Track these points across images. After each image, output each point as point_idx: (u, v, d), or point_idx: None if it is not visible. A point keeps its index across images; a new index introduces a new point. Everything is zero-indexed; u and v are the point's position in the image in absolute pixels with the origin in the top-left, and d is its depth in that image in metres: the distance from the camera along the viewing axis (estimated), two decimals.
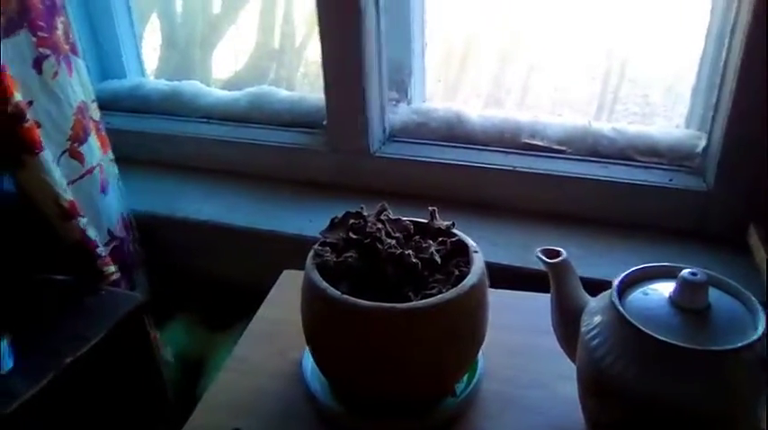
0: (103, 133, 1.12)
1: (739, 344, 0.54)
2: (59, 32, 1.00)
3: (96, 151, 1.08)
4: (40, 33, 0.96)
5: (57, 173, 0.95)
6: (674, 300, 0.59)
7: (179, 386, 1.13)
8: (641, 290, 0.62)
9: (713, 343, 0.55)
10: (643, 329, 0.57)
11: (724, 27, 0.97)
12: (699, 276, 0.58)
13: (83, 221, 0.98)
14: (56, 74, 0.99)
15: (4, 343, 0.84)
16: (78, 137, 1.03)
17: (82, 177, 1.05)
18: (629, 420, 0.58)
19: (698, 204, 1.02)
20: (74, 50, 1.05)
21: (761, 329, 0.56)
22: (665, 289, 0.61)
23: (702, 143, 1.03)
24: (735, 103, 0.93)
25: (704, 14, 1.02)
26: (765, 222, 0.97)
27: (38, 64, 0.97)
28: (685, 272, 0.59)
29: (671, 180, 1.04)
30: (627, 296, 0.61)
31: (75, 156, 1.03)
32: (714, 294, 0.59)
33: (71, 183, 1.01)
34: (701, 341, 0.55)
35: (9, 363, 0.84)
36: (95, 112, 1.10)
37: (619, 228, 1.06)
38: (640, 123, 1.16)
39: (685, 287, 0.58)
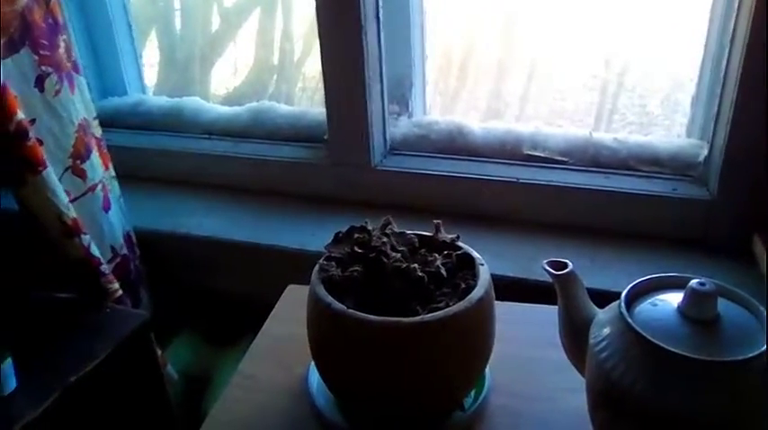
0: (105, 150, 1.13)
1: (749, 355, 0.54)
2: (61, 51, 1.01)
3: (98, 168, 1.08)
4: (42, 52, 0.96)
5: (60, 190, 0.95)
6: (682, 311, 0.59)
7: (184, 403, 1.13)
8: (649, 301, 0.61)
9: (723, 353, 0.55)
10: (652, 340, 0.56)
11: (723, 38, 0.98)
12: (707, 286, 0.58)
13: (86, 239, 0.98)
14: (58, 92, 0.99)
15: (8, 363, 0.83)
16: (80, 154, 1.04)
17: (84, 194, 1.05)
18: None
19: (701, 213, 1.02)
20: (75, 68, 1.05)
21: None
22: (673, 299, 0.60)
23: (704, 152, 1.03)
24: (736, 112, 0.93)
25: (702, 24, 1.02)
26: None
27: (40, 82, 0.97)
28: (694, 282, 0.58)
29: (674, 189, 1.04)
30: (635, 307, 0.61)
31: (78, 173, 1.03)
32: (723, 304, 0.59)
33: (74, 200, 1.01)
34: (711, 351, 0.55)
35: (12, 384, 0.83)
36: (97, 130, 1.11)
37: (622, 239, 1.06)
38: (638, 133, 1.16)
39: (694, 297, 0.58)
